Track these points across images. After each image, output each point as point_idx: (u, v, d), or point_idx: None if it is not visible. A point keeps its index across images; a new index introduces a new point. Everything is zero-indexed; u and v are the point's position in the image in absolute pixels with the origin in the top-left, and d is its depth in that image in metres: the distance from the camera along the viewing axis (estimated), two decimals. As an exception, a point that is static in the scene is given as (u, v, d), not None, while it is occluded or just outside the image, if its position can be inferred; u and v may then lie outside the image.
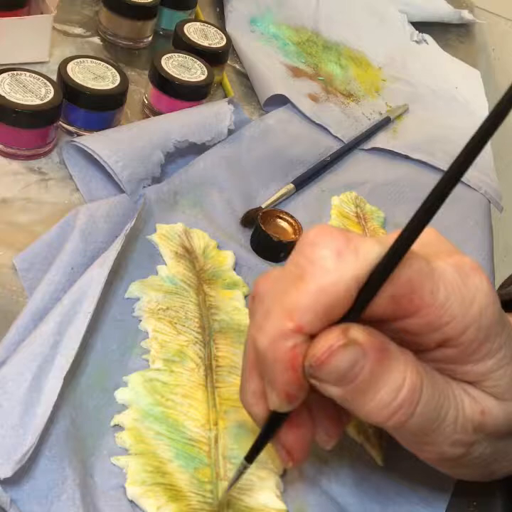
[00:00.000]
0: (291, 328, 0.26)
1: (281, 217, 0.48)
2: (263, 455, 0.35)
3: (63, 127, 0.49)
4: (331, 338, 0.27)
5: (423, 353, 0.29)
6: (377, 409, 0.28)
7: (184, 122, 0.50)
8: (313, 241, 0.27)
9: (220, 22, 0.70)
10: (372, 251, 0.27)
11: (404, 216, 0.57)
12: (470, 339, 0.28)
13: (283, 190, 0.52)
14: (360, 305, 0.27)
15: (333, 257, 0.26)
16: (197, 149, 0.51)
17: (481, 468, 0.33)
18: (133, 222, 0.41)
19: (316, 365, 0.27)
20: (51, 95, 0.45)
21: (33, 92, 0.44)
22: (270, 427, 0.31)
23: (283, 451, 0.31)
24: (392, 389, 0.27)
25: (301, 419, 0.31)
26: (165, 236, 0.44)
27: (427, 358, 0.29)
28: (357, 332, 0.27)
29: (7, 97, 0.43)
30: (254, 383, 0.30)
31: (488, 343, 0.29)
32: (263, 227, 0.46)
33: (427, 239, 0.28)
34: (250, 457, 0.31)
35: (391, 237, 0.27)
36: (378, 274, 0.26)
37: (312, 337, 0.27)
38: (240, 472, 0.32)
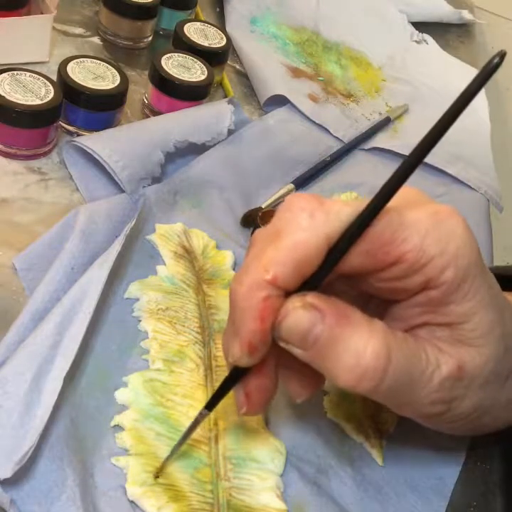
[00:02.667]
0: (265, 279, 0.28)
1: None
2: (263, 455, 0.35)
3: (63, 127, 0.49)
4: (291, 301, 0.29)
5: (409, 299, 0.31)
6: (342, 373, 0.29)
7: (184, 122, 0.50)
8: (289, 205, 0.29)
9: (220, 22, 0.70)
10: (342, 212, 0.29)
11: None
12: (449, 279, 0.30)
13: (283, 190, 0.52)
14: (331, 261, 0.29)
15: (306, 217, 0.29)
16: (197, 149, 0.51)
17: (468, 422, 0.34)
18: (133, 222, 0.41)
19: (276, 324, 0.29)
20: (51, 95, 0.45)
21: (33, 92, 0.44)
22: (231, 378, 0.32)
23: (242, 395, 0.32)
24: (353, 355, 0.28)
25: (266, 370, 0.31)
26: (164, 236, 0.44)
27: (412, 304, 0.31)
28: (315, 298, 0.29)
29: (7, 97, 0.43)
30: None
31: (466, 283, 0.30)
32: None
33: (407, 195, 0.30)
34: (210, 405, 0.32)
35: (363, 202, 0.28)
36: (348, 233, 0.28)
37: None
38: (197, 421, 0.32)
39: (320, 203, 0.29)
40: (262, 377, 0.31)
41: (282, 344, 0.30)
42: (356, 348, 0.28)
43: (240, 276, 0.29)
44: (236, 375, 0.31)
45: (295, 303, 0.29)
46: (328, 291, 0.30)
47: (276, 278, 0.28)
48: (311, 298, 0.29)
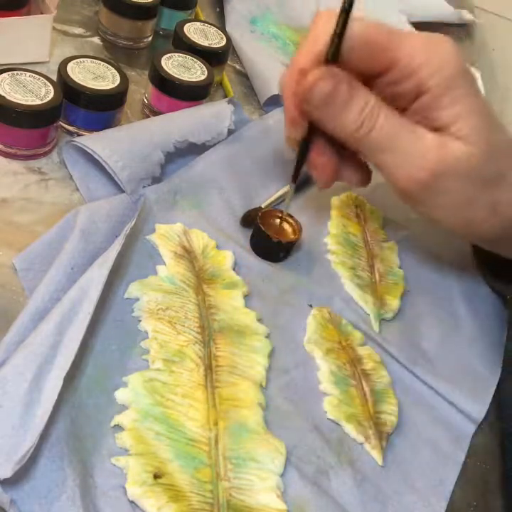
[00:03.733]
0: (295, 70, 0.39)
1: (280, 218, 0.48)
2: (263, 455, 0.35)
3: (63, 127, 0.49)
4: (316, 71, 0.37)
5: (409, 108, 0.39)
6: (349, 122, 0.38)
7: (184, 122, 0.50)
8: (319, 14, 0.40)
9: (220, 22, 0.70)
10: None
11: (404, 216, 0.57)
12: (436, 83, 0.37)
13: (283, 190, 0.52)
14: (335, 46, 0.37)
15: (325, 17, 0.39)
16: (197, 149, 0.51)
17: (454, 211, 0.40)
18: (133, 222, 0.41)
19: (308, 89, 0.37)
20: (51, 95, 0.45)
21: (33, 92, 0.44)
22: (302, 151, 0.43)
23: (313, 170, 0.43)
24: (359, 108, 0.38)
25: (323, 150, 0.42)
26: (164, 236, 0.44)
27: (411, 113, 0.39)
28: (335, 68, 0.37)
29: (7, 97, 0.43)
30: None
31: (452, 90, 0.38)
32: (263, 228, 0.46)
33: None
34: (294, 177, 0.45)
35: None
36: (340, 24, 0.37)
37: None
38: (288, 194, 0.46)
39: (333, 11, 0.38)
40: (320, 151, 0.42)
41: (307, 107, 0.38)
42: (361, 103, 0.38)
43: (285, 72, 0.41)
44: (304, 150, 0.43)
45: (320, 71, 0.37)
46: None
47: (301, 66, 0.38)
48: (333, 68, 0.37)
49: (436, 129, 0.38)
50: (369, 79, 0.39)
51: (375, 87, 0.39)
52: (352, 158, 0.43)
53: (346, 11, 0.37)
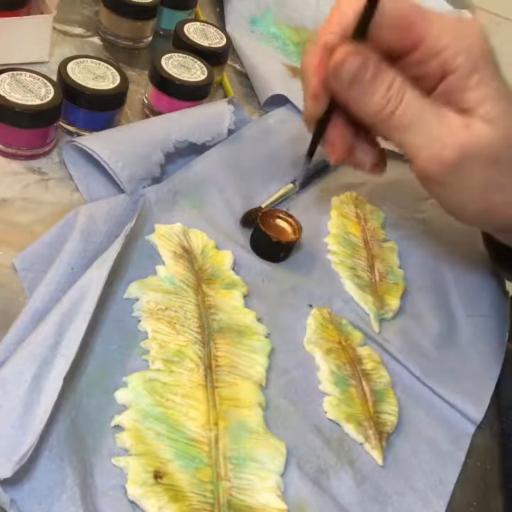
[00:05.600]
0: (320, 46, 0.40)
1: (280, 218, 0.48)
2: (263, 455, 0.35)
3: (63, 127, 0.49)
4: (345, 47, 0.37)
5: (436, 89, 0.38)
6: (374, 101, 0.38)
7: (184, 122, 0.50)
8: None
9: (220, 22, 0.70)
10: None
11: (404, 216, 0.57)
12: (461, 63, 0.37)
13: (283, 190, 0.52)
14: (364, 23, 0.37)
15: None
16: (197, 149, 0.51)
17: (477, 195, 0.39)
18: (133, 223, 0.41)
19: (336, 66, 0.37)
20: (51, 95, 0.44)
21: (33, 92, 0.44)
22: (320, 128, 0.43)
23: (328, 146, 0.43)
24: (385, 87, 0.37)
25: (339, 123, 0.42)
26: (163, 236, 0.44)
27: (437, 95, 0.38)
28: (362, 46, 0.37)
29: (7, 97, 0.43)
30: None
31: (478, 72, 0.37)
32: (263, 228, 0.46)
33: None
34: (310, 153, 0.45)
35: None
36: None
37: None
38: (306, 167, 0.47)
39: None
40: (337, 128, 0.42)
41: (334, 85, 0.38)
42: (387, 83, 0.37)
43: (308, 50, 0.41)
44: (322, 126, 0.42)
45: (348, 48, 0.37)
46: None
47: (327, 42, 0.39)
48: (359, 45, 0.37)
49: (463, 111, 0.38)
50: (394, 58, 0.39)
51: (400, 68, 0.38)
52: (368, 140, 0.44)
53: None
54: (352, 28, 0.38)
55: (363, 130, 0.42)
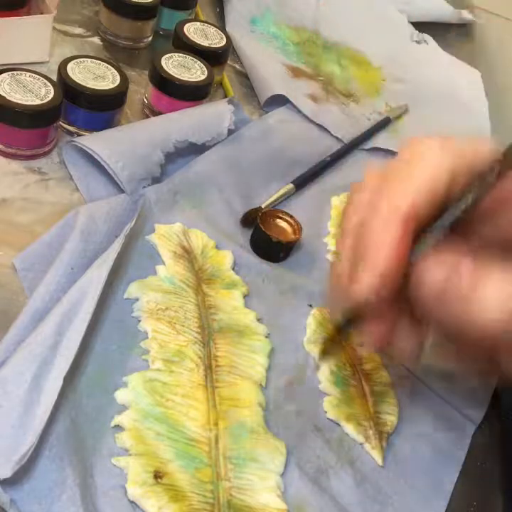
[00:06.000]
0: (405, 209, 0.28)
1: (280, 218, 0.48)
2: (263, 455, 0.35)
3: (63, 127, 0.49)
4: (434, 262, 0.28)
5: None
6: (487, 320, 0.28)
7: (184, 122, 0.50)
8: (416, 141, 0.30)
9: (220, 22, 0.70)
10: (466, 151, 0.29)
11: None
12: None
13: (283, 190, 0.52)
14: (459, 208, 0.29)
15: (437, 148, 0.29)
16: (197, 149, 0.51)
17: None
18: (133, 223, 0.41)
19: (412, 282, 0.28)
20: (51, 95, 0.44)
21: (33, 92, 0.44)
22: (354, 317, 0.31)
23: (365, 333, 0.32)
24: (496, 301, 0.28)
25: (385, 315, 0.31)
26: (163, 236, 0.44)
27: None
28: (446, 251, 0.29)
29: (7, 97, 0.43)
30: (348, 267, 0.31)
31: None
32: (263, 228, 0.46)
33: None
34: (325, 351, 0.34)
35: (477, 146, 0.30)
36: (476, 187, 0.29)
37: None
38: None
39: (444, 139, 0.30)
40: (381, 321, 0.31)
41: (417, 301, 0.29)
42: (497, 293, 0.28)
43: (375, 203, 0.29)
44: (355, 319, 0.31)
45: (428, 259, 0.28)
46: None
47: (416, 206, 0.28)
48: (443, 252, 0.29)
49: None
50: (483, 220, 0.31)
51: (490, 227, 0.31)
52: (412, 321, 0.33)
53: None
54: (440, 196, 0.29)
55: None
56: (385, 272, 0.28)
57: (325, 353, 0.33)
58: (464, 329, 0.29)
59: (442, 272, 0.28)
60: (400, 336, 0.32)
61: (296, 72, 0.68)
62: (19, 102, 0.43)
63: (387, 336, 0.32)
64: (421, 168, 0.29)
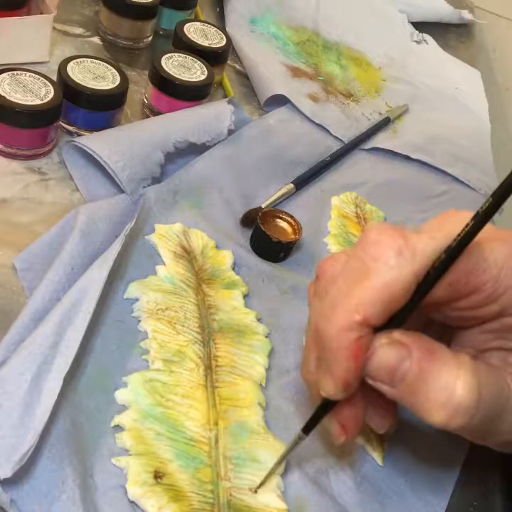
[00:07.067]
0: (357, 320, 0.28)
1: (280, 218, 0.48)
2: (264, 455, 0.35)
3: (63, 127, 0.49)
4: (377, 339, 0.29)
5: (483, 324, 0.31)
6: (434, 410, 0.29)
7: (184, 122, 0.50)
8: (375, 240, 0.29)
9: (220, 22, 0.70)
10: (428, 247, 0.29)
11: (404, 216, 0.57)
12: None
13: (283, 190, 0.52)
14: (418, 297, 0.29)
15: (394, 256, 0.29)
16: (197, 149, 0.51)
17: None
18: (133, 223, 0.41)
19: (375, 361, 0.29)
20: (51, 95, 0.45)
21: (33, 92, 0.44)
22: (323, 407, 0.32)
23: (337, 426, 0.33)
24: (444, 391, 0.28)
25: (355, 399, 0.32)
26: (163, 236, 0.44)
27: (484, 330, 0.31)
28: (401, 335, 0.29)
29: (7, 97, 0.43)
30: (314, 357, 0.32)
31: None
32: (263, 228, 0.46)
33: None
34: (307, 429, 0.33)
35: (442, 231, 0.29)
36: (436, 270, 0.29)
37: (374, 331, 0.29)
38: (296, 443, 0.33)
39: (405, 239, 0.29)
40: (353, 407, 0.32)
41: (370, 381, 0.30)
42: (446, 384, 0.28)
43: (327, 314, 0.29)
44: (327, 405, 0.32)
45: (381, 340, 0.29)
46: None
47: (367, 319, 0.28)
48: (397, 335, 0.29)
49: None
50: (438, 305, 0.31)
51: (440, 311, 0.32)
52: (382, 402, 0.33)
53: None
54: (399, 301, 0.29)
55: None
56: (347, 381, 0.29)
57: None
58: (417, 412, 0.30)
59: (397, 353, 0.29)
60: (373, 411, 0.34)
61: (296, 72, 0.68)
62: (19, 102, 0.43)
63: (357, 420, 0.33)
64: (376, 279, 0.28)
